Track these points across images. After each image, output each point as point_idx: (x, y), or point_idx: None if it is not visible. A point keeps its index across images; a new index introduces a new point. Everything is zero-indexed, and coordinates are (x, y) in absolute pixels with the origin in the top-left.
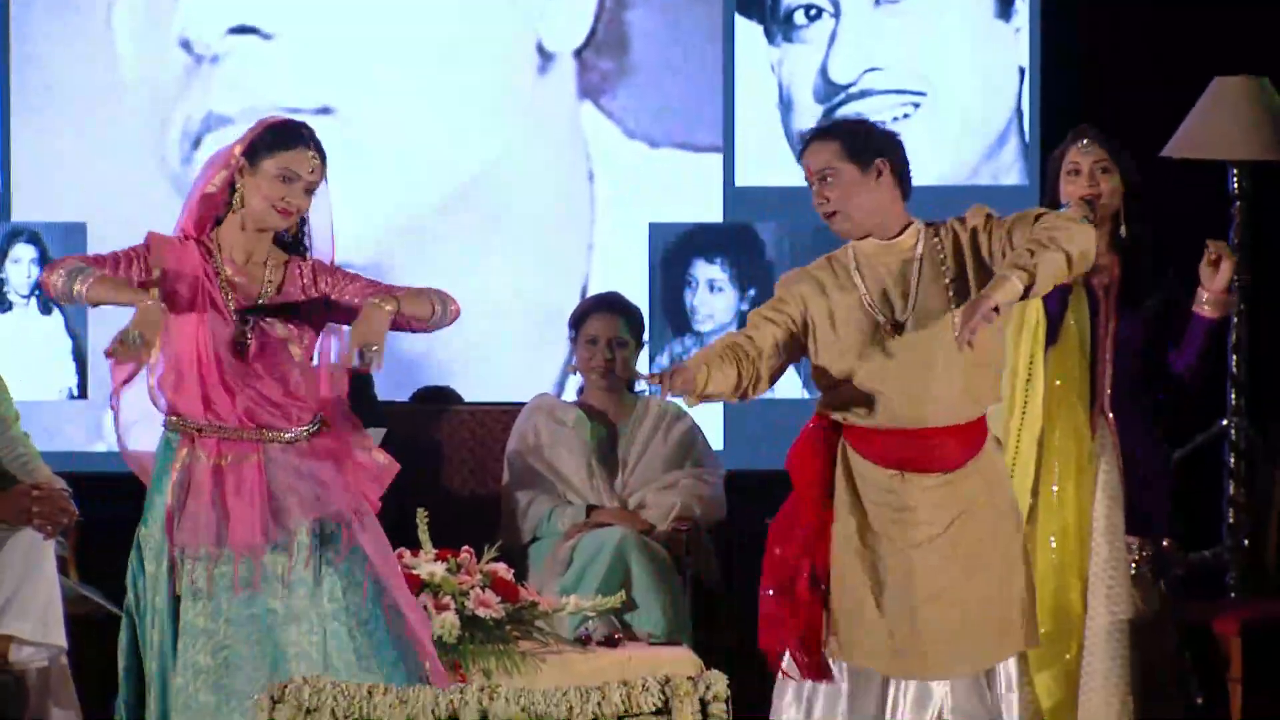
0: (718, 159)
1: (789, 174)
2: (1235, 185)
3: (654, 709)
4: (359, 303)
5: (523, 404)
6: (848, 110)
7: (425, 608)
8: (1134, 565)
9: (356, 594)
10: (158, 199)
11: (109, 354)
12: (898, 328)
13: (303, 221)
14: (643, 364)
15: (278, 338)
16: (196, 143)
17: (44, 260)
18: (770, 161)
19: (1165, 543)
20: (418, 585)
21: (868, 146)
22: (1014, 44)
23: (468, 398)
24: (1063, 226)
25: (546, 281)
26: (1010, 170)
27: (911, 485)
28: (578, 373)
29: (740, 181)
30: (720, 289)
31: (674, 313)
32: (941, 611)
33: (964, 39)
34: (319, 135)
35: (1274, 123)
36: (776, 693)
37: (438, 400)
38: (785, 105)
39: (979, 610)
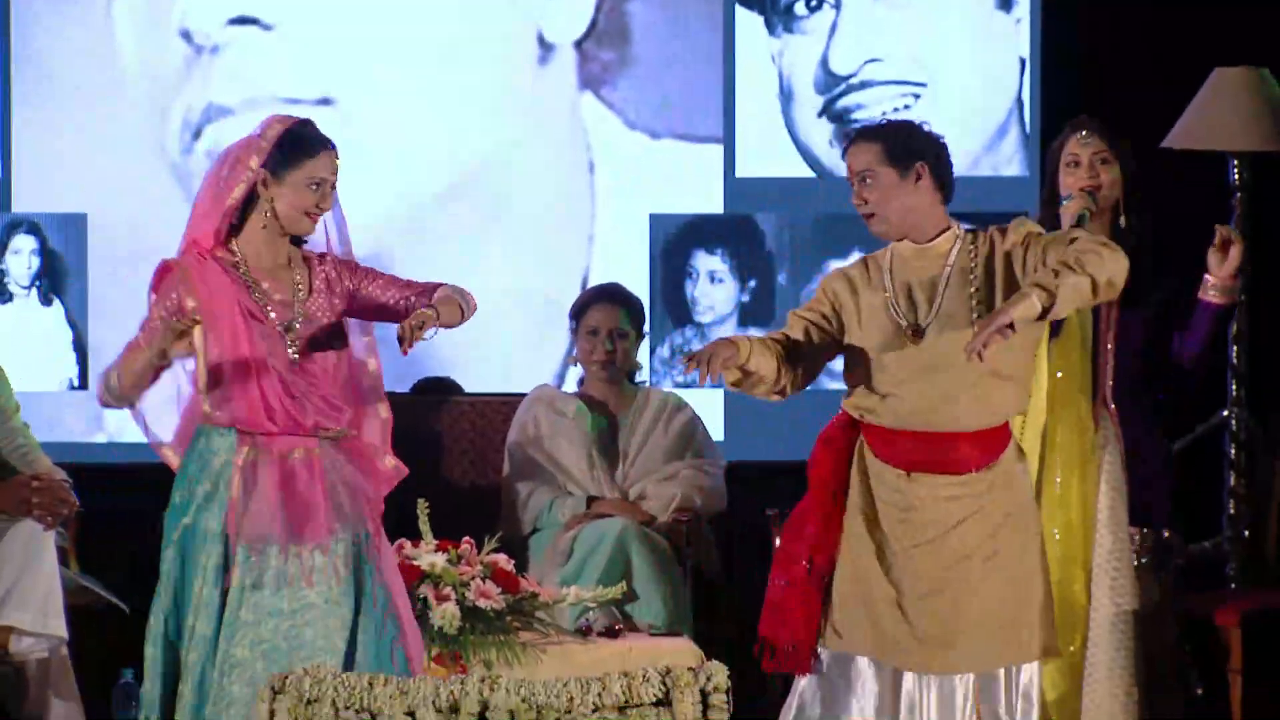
0: (718, 150)
1: (789, 165)
2: (1235, 176)
3: (654, 700)
4: (384, 299)
5: (523, 395)
6: (848, 101)
7: (425, 598)
8: (1135, 557)
9: (382, 598)
10: (158, 190)
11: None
12: (918, 333)
13: None
14: (652, 364)
15: (322, 338)
16: (197, 134)
17: (44, 251)
18: (771, 152)
19: (1165, 533)
20: (418, 576)
21: (909, 150)
22: (1015, 35)
23: (468, 389)
24: (1094, 250)
25: (547, 272)
26: (1011, 161)
27: (919, 485)
28: (578, 363)
29: (741, 172)
30: (721, 280)
31: (674, 304)
32: (939, 609)
33: (964, 30)
34: (319, 127)
35: (1274, 114)
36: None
37: (438, 391)
38: (786, 96)
39: (983, 613)
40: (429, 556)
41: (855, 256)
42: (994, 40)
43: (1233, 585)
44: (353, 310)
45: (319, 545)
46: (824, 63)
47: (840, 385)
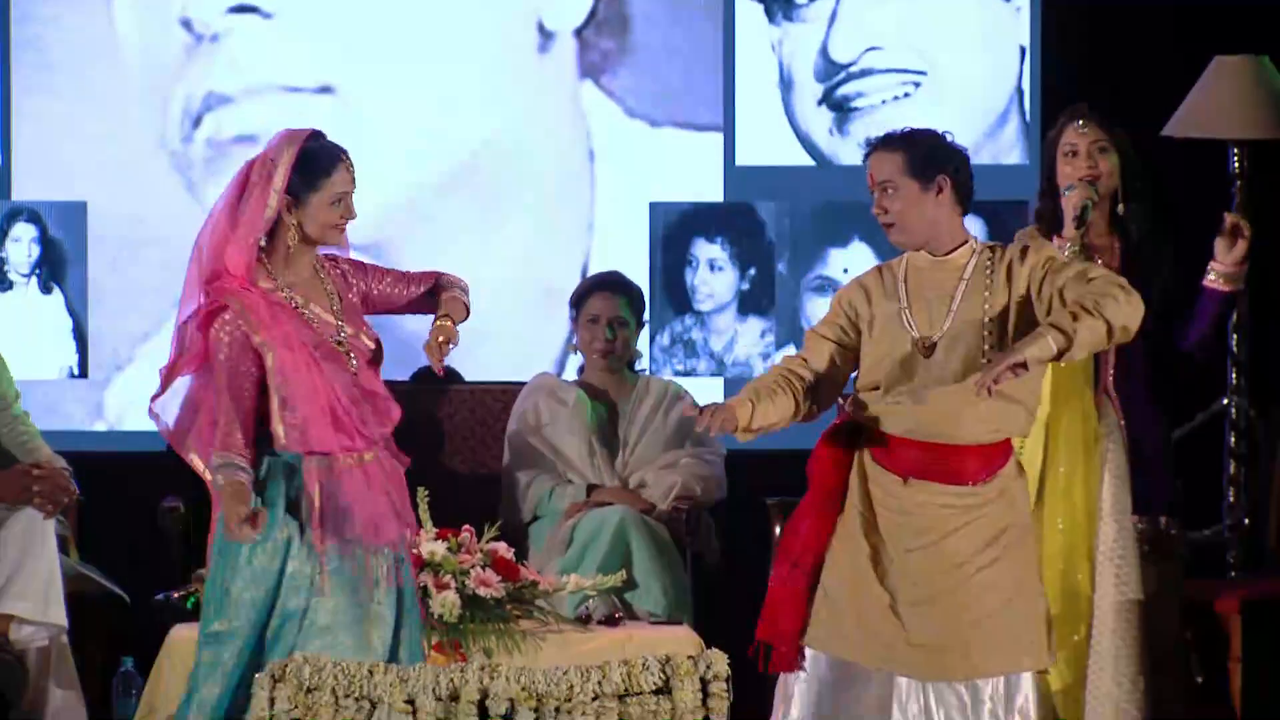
0: (718, 138)
1: (789, 153)
2: (1235, 164)
3: (654, 688)
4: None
5: (523, 383)
6: (848, 89)
7: (426, 586)
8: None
9: (412, 598)
10: (158, 178)
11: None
12: (929, 346)
13: None
14: (652, 353)
15: (367, 347)
16: (197, 122)
17: (44, 239)
18: (771, 141)
19: (1162, 521)
20: (419, 564)
21: (932, 162)
22: (1015, 23)
23: (468, 377)
24: (1112, 295)
25: (547, 260)
26: (1011, 150)
27: (916, 490)
28: (578, 352)
29: (741, 161)
30: (720, 268)
31: (674, 292)
32: (932, 616)
33: (965, 18)
34: (319, 115)
35: (1274, 102)
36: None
37: (438, 379)
38: (786, 84)
39: (979, 621)
40: (429, 545)
41: (855, 245)
42: (994, 28)
43: (1233, 573)
44: (366, 310)
45: (393, 543)
46: (824, 51)
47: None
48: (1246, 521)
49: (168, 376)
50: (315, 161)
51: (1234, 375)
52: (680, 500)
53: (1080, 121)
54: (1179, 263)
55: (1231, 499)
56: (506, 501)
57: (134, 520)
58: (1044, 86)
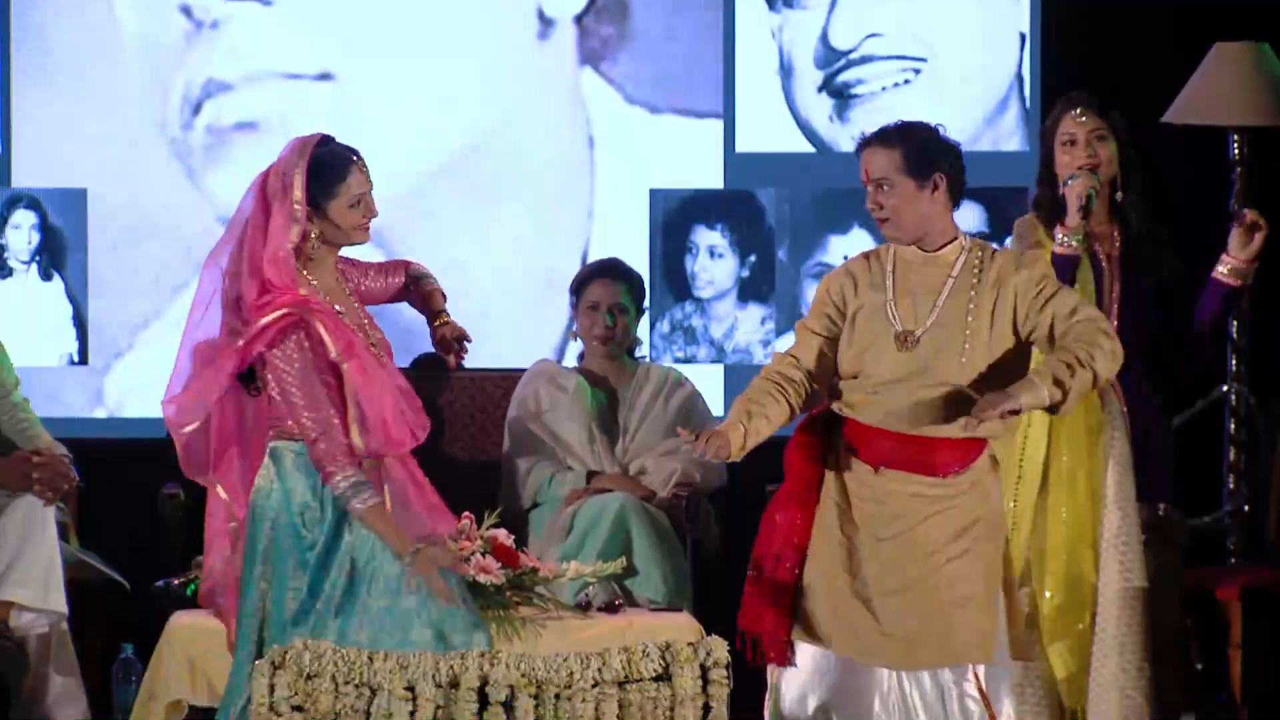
0: (718, 125)
1: (789, 140)
2: (1235, 151)
3: (654, 674)
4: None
5: (523, 370)
6: (848, 76)
7: None
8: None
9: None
10: (157, 165)
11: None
12: (912, 340)
13: None
14: (651, 340)
15: (386, 343)
16: (197, 109)
17: (44, 226)
18: (771, 127)
19: (1160, 508)
20: None
21: (929, 160)
22: (1014, 10)
23: (468, 364)
24: (1099, 344)
25: (547, 247)
26: (1011, 137)
27: (888, 479)
28: (578, 339)
29: (741, 147)
30: (721, 255)
31: (674, 279)
32: (904, 606)
33: (965, 5)
34: (318, 103)
35: (1274, 89)
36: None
37: (438, 367)
38: (786, 71)
39: (943, 612)
40: None
41: (855, 231)
42: (994, 15)
43: (1233, 560)
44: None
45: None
46: (824, 38)
47: None
48: (1246, 509)
49: (198, 396)
50: (328, 168)
51: (1234, 362)
52: (680, 487)
53: (1078, 110)
54: (1177, 250)
55: (1231, 486)
56: (506, 488)
57: (134, 507)
58: (1044, 73)
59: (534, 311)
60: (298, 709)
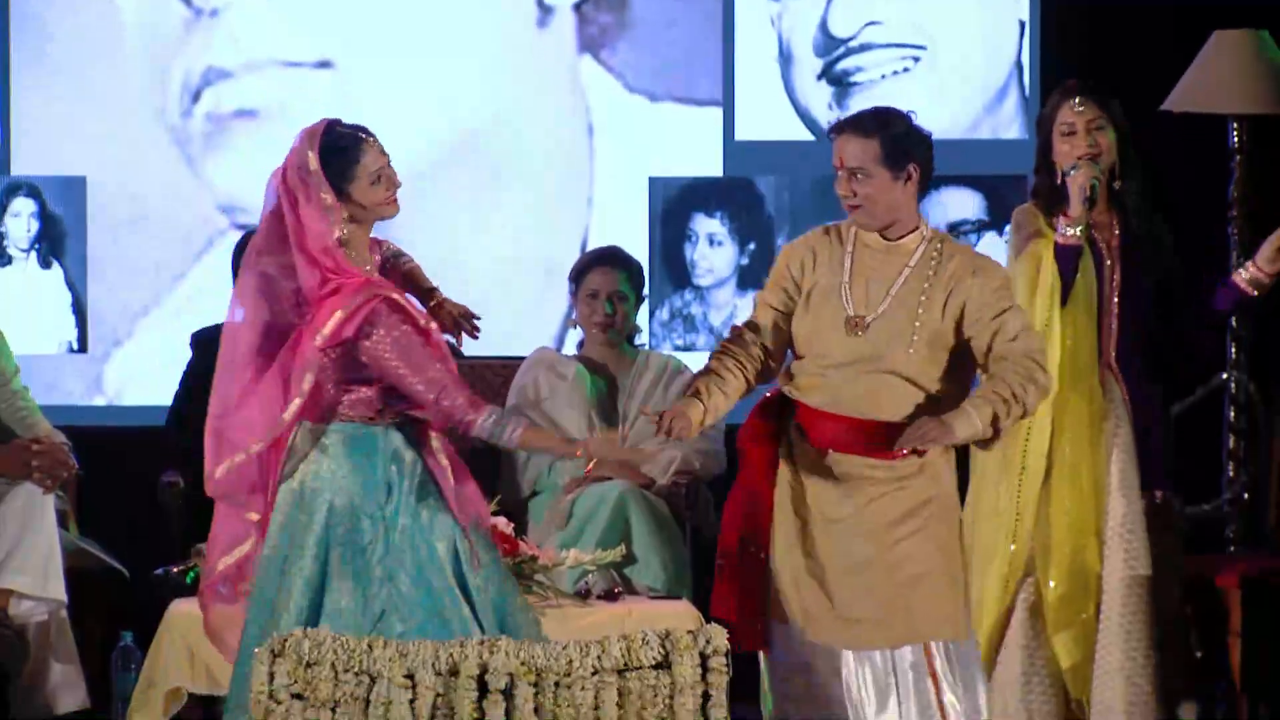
0: (717, 113)
1: (789, 128)
2: (1235, 139)
3: (654, 662)
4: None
5: (523, 358)
6: (847, 64)
7: None
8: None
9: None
10: (157, 153)
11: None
12: (862, 326)
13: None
14: (651, 328)
15: None
16: (196, 96)
17: (44, 214)
18: (770, 116)
19: (1158, 495)
20: None
21: (904, 151)
22: None
23: (467, 352)
24: (1035, 379)
25: (546, 235)
26: (1010, 124)
27: (837, 461)
28: (578, 327)
29: (740, 136)
30: (720, 243)
31: (674, 267)
32: (857, 585)
33: None
34: (318, 90)
35: (1274, 76)
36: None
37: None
38: (785, 59)
39: (895, 592)
40: None
41: None
42: (993, 3)
43: (1232, 548)
44: None
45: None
46: (823, 26)
47: None
48: (1246, 497)
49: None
50: (340, 152)
51: (1234, 350)
52: (679, 475)
53: (1076, 99)
54: (1177, 245)
55: (1231, 474)
56: (506, 476)
57: (133, 495)
58: (1043, 61)
59: (534, 299)
60: (297, 697)
